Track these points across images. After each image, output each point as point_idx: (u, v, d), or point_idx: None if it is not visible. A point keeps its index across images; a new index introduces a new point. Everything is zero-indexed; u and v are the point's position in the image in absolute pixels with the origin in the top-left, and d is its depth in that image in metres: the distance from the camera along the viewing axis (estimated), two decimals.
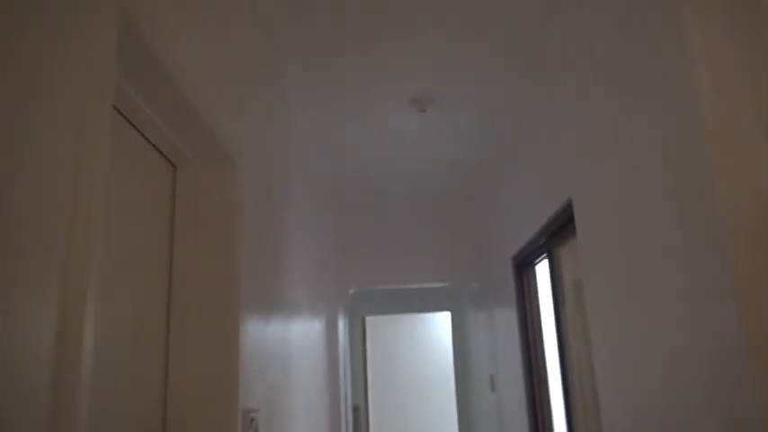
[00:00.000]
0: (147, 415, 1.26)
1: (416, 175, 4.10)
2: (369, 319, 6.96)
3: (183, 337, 1.37)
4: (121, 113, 1.21)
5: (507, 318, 3.76)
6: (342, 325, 4.14)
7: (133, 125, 1.25)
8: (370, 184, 4.24)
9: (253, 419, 1.52)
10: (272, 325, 1.89)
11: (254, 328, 1.61)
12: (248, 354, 1.52)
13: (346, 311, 5.58)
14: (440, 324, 7.04)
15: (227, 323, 1.38)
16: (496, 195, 4.00)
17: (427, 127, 3.28)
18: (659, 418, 1.68)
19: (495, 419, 4.28)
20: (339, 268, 4.24)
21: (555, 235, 2.77)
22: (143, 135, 1.30)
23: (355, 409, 5.47)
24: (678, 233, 1.50)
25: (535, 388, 3.30)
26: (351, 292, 4.54)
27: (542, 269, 3.32)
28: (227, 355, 1.36)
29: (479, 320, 4.90)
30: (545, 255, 2.99)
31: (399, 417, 6.88)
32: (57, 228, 0.68)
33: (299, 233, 2.73)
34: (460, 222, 4.48)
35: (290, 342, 2.24)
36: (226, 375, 1.35)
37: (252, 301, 1.59)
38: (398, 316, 7.13)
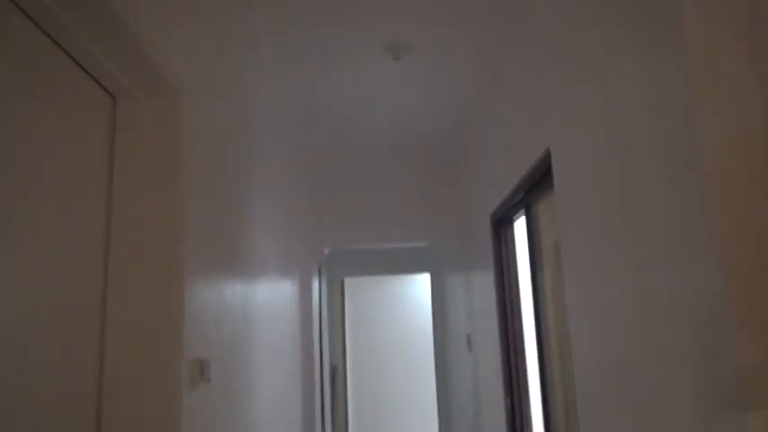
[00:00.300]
0: (81, 365, 1.16)
1: (392, 128, 3.98)
2: (348, 281, 6.91)
3: (123, 285, 1.26)
4: (50, 37, 1.07)
5: (485, 277, 3.70)
6: (316, 285, 4.06)
7: (65, 51, 1.12)
8: (345, 138, 4.11)
9: (204, 368, 1.43)
10: (229, 278, 1.79)
11: (205, 279, 1.51)
12: (197, 306, 1.43)
13: (325, 272, 5.51)
14: (419, 286, 7.01)
15: (171, 269, 1.28)
16: (475, 150, 3.90)
17: (402, 76, 3.15)
18: (635, 376, 1.62)
19: (471, 378, 4.27)
20: (313, 227, 4.14)
21: (533, 189, 2.69)
22: (76, 61, 1.17)
23: (333, 369, 5.45)
24: (661, 187, 1.41)
25: (510, 347, 3.26)
26: (326, 251, 4.46)
27: (521, 228, 3.25)
28: (169, 303, 1.26)
29: (458, 282, 4.86)
30: (523, 211, 2.91)
31: (378, 376, 6.89)
32: None
33: (264, 188, 2.61)
34: (439, 180, 4.38)
35: (253, 298, 2.15)
36: (168, 323, 1.25)
37: (201, 250, 1.48)
38: (378, 278, 7.08)
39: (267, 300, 2.48)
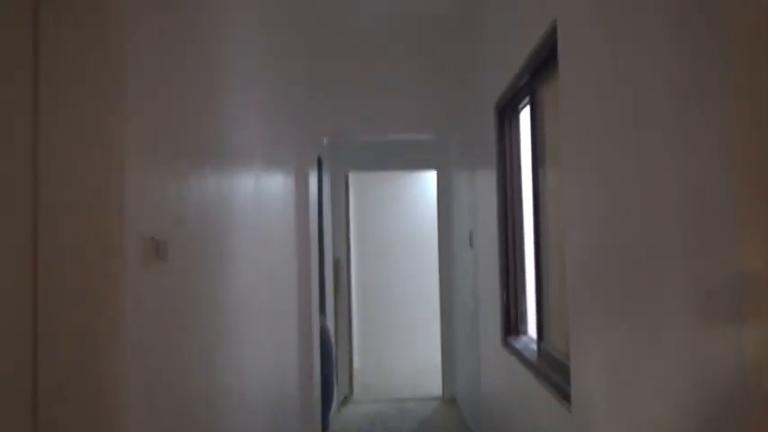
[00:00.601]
0: (11, 241, 1.07)
1: (393, 12, 3.68)
2: (354, 177, 6.80)
3: (55, 167, 1.14)
4: None
5: (488, 172, 3.56)
6: (314, 177, 3.94)
7: None
8: (343, 23, 3.83)
9: (160, 248, 1.35)
10: (198, 162, 1.66)
11: (161, 161, 1.38)
12: (149, 186, 1.31)
13: (328, 166, 5.38)
14: (426, 183, 6.89)
15: (110, 150, 1.15)
16: (480, 32, 3.62)
17: None
18: (627, 272, 1.51)
19: (472, 273, 4.24)
20: (310, 116, 3.96)
21: (538, 73, 2.47)
22: None
23: (336, 262, 5.48)
24: (679, 70, 1.22)
25: (509, 243, 3.17)
26: (325, 141, 4.30)
27: (526, 120, 3.05)
28: (107, 182, 1.15)
29: (463, 178, 4.72)
30: (528, 100, 2.71)
31: (383, 270, 6.97)
32: None
33: (253, 74, 2.42)
34: (442, 66, 4.12)
35: (232, 185, 2.04)
36: (107, 201, 1.14)
37: (157, 132, 1.35)
38: (385, 174, 6.96)
39: (252, 187, 2.37)
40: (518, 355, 2.78)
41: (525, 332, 3.11)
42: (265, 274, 2.63)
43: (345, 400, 5.42)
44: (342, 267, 5.52)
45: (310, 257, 3.69)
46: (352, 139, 5.51)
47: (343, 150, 5.58)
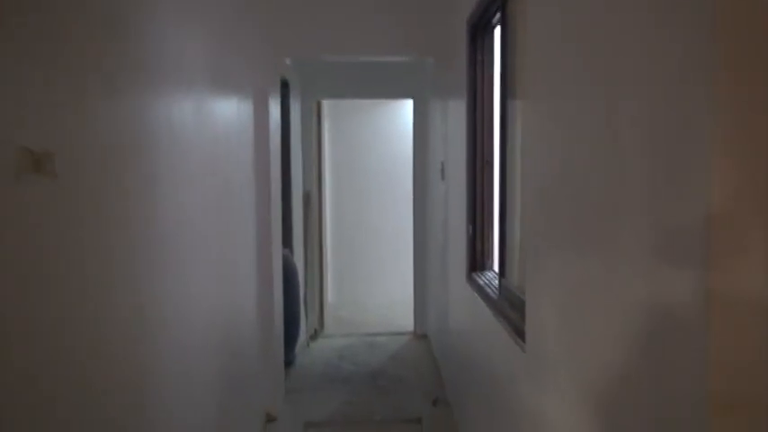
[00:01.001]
0: None
1: None
2: (329, 106, 6.52)
3: None
4: None
5: (459, 98, 3.33)
6: (275, 102, 3.69)
7: None
8: None
9: (44, 162, 1.15)
10: (98, 71, 1.43)
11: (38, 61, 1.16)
12: (19, 91, 1.10)
13: (298, 93, 5.10)
14: (403, 113, 6.63)
15: None
16: None
17: None
18: (585, 199, 1.34)
19: (443, 206, 4.09)
20: (271, 33, 3.66)
21: None
22: None
23: (306, 195, 5.29)
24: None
25: (477, 175, 2.99)
26: (288, 62, 4.03)
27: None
28: None
29: (437, 107, 4.49)
30: (499, 14, 2.46)
31: (357, 203, 6.80)
32: None
33: None
34: None
35: (156, 103, 1.81)
36: None
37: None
38: (362, 105, 6.68)
39: (192, 108, 2.14)
40: (480, 291, 2.66)
41: (491, 268, 2.98)
42: (213, 203, 2.44)
43: (315, 335, 5.36)
44: (312, 200, 5.33)
45: (270, 188, 3.49)
46: (321, 63, 5.21)
47: (315, 77, 5.28)
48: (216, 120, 2.50)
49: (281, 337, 3.93)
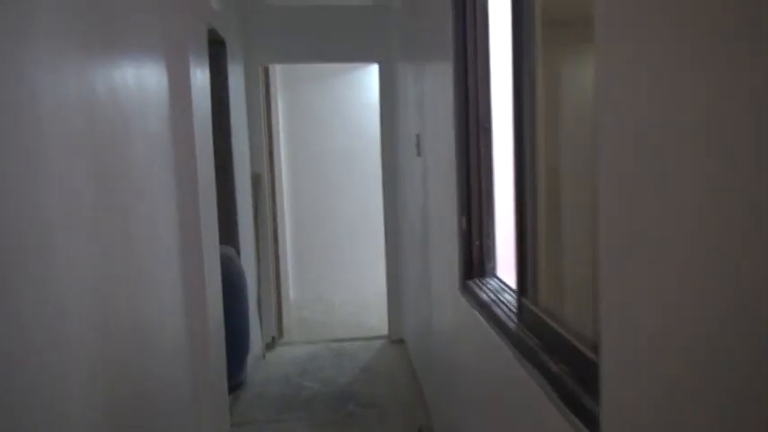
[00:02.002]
0: None
1: None
2: (284, 75, 5.63)
3: None
4: None
5: (440, 55, 2.53)
6: (199, 66, 2.80)
7: None
8: None
9: None
10: None
11: None
12: None
13: (239, 57, 4.22)
14: (368, 82, 5.79)
15: None
16: None
17: None
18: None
19: (421, 189, 3.30)
20: None
21: None
22: None
23: (255, 177, 4.44)
24: None
25: (470, 152, 2.20)
26: (214, 6, 3.15)
27: None
28: None
29: (409, 71, 3.67)
30: None
31: (319, 186, 5.96)
32: None
33: None
34: None
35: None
36: None
37: None
38: (320, 72, 5.81)
39: (66, 77, 1.29)
40: (485, 311, 1.89)
41: (492, 273, 2.21)
42: (91, 200, 1.59)
43: (273, 343, 4.56)
44: (263, 184, 4.48)
45: (197, 174, 2.64)
46: (267, 17, 4.33)
47: (261, 36, 4.39)
48: (97, 91, 1.64)
49: (221, 357, 3.10)
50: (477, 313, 1.96)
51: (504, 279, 2.15)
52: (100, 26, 1.71)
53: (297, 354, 4.41)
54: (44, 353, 1.25)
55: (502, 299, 1.88)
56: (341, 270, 5.95)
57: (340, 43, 4.49)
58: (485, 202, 2.19)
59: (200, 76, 2.81)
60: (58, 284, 1.33)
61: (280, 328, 4.73)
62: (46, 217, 1.29)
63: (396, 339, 4.62)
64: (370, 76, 5.74)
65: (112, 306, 1.69)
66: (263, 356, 4.35)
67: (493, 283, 2.11)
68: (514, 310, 1.71)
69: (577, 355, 1.21)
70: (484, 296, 1.97)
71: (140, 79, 2.07)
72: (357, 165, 5.89)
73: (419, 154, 3.29)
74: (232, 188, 3.78)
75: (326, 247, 5.96)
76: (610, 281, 0.96)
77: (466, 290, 2.19)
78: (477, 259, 2.21)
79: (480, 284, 2.12)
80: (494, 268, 2.21)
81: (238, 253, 3.85)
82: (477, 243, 2.20)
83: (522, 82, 1.61)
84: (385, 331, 4.75)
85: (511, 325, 1.64)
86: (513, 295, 1.87)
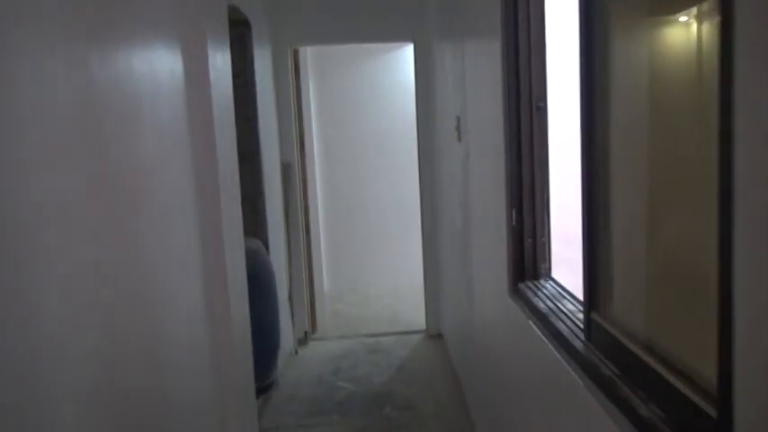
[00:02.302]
0: None
1: None
2: (312, 56, 5.39)
3: None
4: None
5: (485, 28, 2.24)
6: (217, 45, 2.56)
7: None
8: None
9: None
10: None
11: None
12: None
13: (265, 38, 3.99)
14: (403, 64, 5.50)
15: None
16: None
17: None
18: None
19: (461, 177, 3.02)
20: None
21: None
22: None
23: (285, 167, 4.23)
24: None
25: (522, 135, 1.92)
26: None
27: None
28: None
29: (447, 49, 3.39)
30: None
31: (350, 172, 5.72)
32: None
33: None
34: None
35: None
36: None
37: None
38: (353, 54, 5.55)
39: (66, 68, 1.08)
40: (542, 321, 1.62)
41: (548, 275, 1.94)
42: (98, 190, 1.39)
43: (305, 339, 4.37)
44: (293, 173, 4.27)
45: (218, 166, 2.42)
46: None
47: (288, 15, 4.15)
48: (95, 79, 1.42)
49: (248, 358, 2.90)
50: (532, 324, 1.69)
51: (562, 282, 1.88)
52: (98, 4, 1.49)
53: (330, 350, 4.21)
54: (22, 386, 1.04)
55: (563, 308, 1.61)
56: (375, 260, 5.73)
57: (373, 22, 4.22)
58: (539, 193, 1.92)
59: (221, 59, 2.58)
60: (34, 296, 1.12)
61: (313, 323, 4.54)
62: (21, 219, 1.08)
63: (434, 334, 4.38)
64: (404, 57, 5.45)
65: (116, 316, 1.49)
66: (296, 353, 4.17)
67: (549, 287, 1.84)
68: (581, 325, 1.44)
69: (678, 399, 0.94)
70: (540, 304, 1.70)
71: (149, 64, 1.84)
72: (392, 151, 5.63)
73: (459, 138, 3.01)
74: (260, 178, 3.58)
75: (361, 237, 5.74)
76: (746, 299, 0.69)
77: (517, 294, 1.92)
78: (529, 259, 1.94)
79: (535, 288, 1.85)
80: (549, 270, 1.94)
81: (267, 245, 3.66)
82: (530, 240, 1.93)
83: (593, 49, 1.33)
84: (422, 325, 4.51)
85: (577, 344, 1.37)
86: (576, 305, 1.60)
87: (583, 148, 1.35)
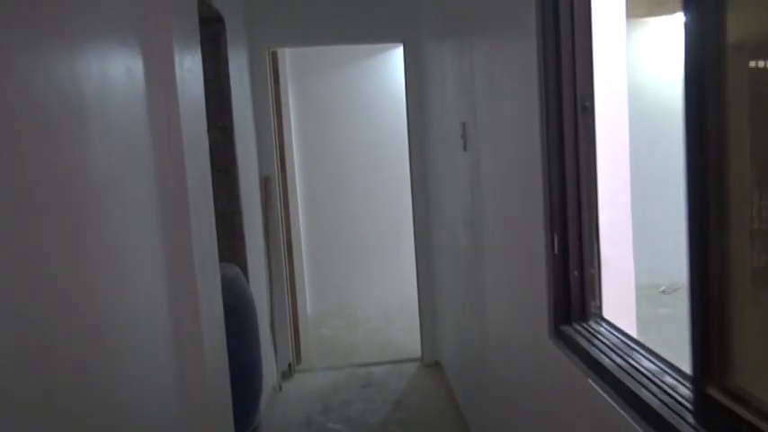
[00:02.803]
0: None
1: None
2: (292, 59, 5.00)
3: None
4: None
5: (507, 16, 1.89)
6: (179, 42, 2.14)
7: None
8: None
9: None
10: None
11: None
12: None
13: (243, 36, 3.60)
14: (392, 67, 5.15)
15: None
16: None
17: None
18: None
19: (469, 193, 2.66)
20: None
21: None
22: None
23: (264, 180, 3.82)
24: None
25: (565, 133, 1.56)
26: None
27: None
28: None
29: (446, 51, 3.03)
30: None
31: (339, 189, 5.33)
32: None
33: None
34: None
35: None
36: None
37: None
38: (337, 57, 5.17)
39: None
40: (610, 383, 1.25)
41: (598, 315, 1.57)
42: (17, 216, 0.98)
43: (290, 371, 3.95)
44: (272, 188, 3.86)
45: (186, 180, 2.01)
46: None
47: (267, 14, 3.76)
48: (29, 83, 1.03)
49: (226, 410, 2.48)
50: (593, 384, 1.32)
51: (616, 323, 1.52)
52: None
53: (318, 384, 3.80)
54: None
55: (638, 366, 1.24)
56: (362, 280, 5.33)
57: (359, 22, 3.85)
58: (586, 213, 1.55)
59: (190, 60, 2.16)
60: None
61: (297, 353, 4.11)
62: None
63: (430, 363, 3.99)
64: (392, 60, 5.10)
65: (56, 395, 1.07)
66: (280, 388, 3.74)
67: (606, 332, 1.47)
68: (677, 396, 1.07)
69: None
70: (603, 358, 1.33)
71: (100, 66, 1.44)
72: (380, 163, 5.25)
73: (465, 147, 2.65)
74: (237, 194, 3.17)
75: (345, 255, 5.34)
76: None
77: (562, 339, 1.55)
78: (576, 296, 1.57)
79: (587, 334, 1.48)
80: (600, 309, 1.57)
81: (245, 269, 3.25)
82: (576, 273, 1.56)
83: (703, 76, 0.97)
84: (416, 351, 4.12)
85: (685, 429, 1.00)
86: (657, 363, 1.23)
87: (690, 175, 0.98)
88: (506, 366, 2.17)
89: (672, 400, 1.09)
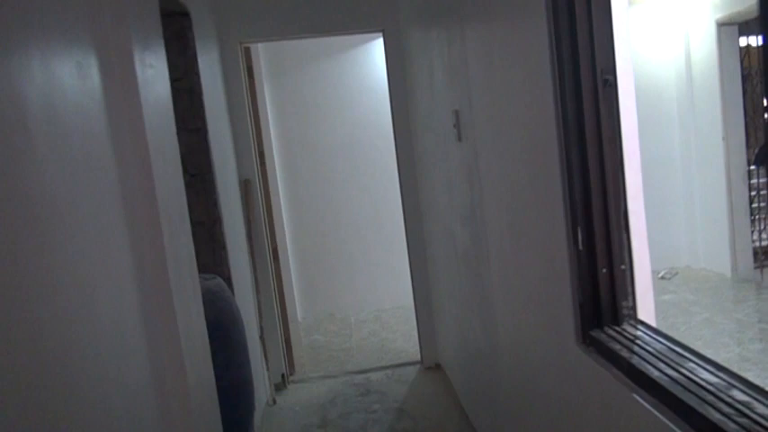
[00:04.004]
0: None
1: None
2: (267, 54, 4.77)
3: None
4: None
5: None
6: (138, 39, 1.92)
7: None
8: None
9: None
10: None
11: None
12: None
13: (213, 30, 3.37)
14: (373, 58, 4.94)
15: None
16: None
17: None
18: None
19: (466, 187, 2.47)
20: None
21: None
22: None
23: (244, 183, 3.60)
24: None
25: (586, 114, 1.37)
26: None
27: None
28: None
29: (432, 38, 2.84)
30: None
31: (317, 187, 5.11)
32: None
33: None
34: None
35: None
36: None
37: None
38: (314, 51, 4.95)
39: None
40: (664, 400, 1.07)
41: (632, 317, 1.39)
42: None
43: (283, 383, 3.74)
44: (253, 192, 3.64)
45: (154, 190, 1.79)
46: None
47: (236, 7, 3.53)
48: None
49: (215, 421, 2.27)
50: (640, 399, 1.14)
51: (652, 324, 1.34)
52: None
53: (314, 394, 3.59)
54: None
55: (696, 379, 1.06)
56: (353, 282, 5.12)
57: (334, 12, 3.64)
58: (612, 203, 1.37)
59: (152, 56, 1.94)
60: None
61: (290, 363, 3.90)
62: None
63: (430, 366, 3.81)
64: (372, 52, 4.89)
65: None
66: (273, 402, 3.53)
67: (645, 337, 1.29)
68: (762, 417, 0.89)
69: None
70: (651, 369, 1.14)
71: (42, 61, 1.22)
72: (366, 159, 5.04)
73: (460, 137, 2.46)
74: (215, 201, 2.95)
75: (334, 257, 5.13)
76: None
77: (593, 345, 1.37)
78: (606, 296, 1.39)
79: (624, 340, 1.30)
80: (633, 310, 1.39)
81: (229, 279, 3.03)
82: (605, 271, 1.38)
83: None
84: (415, 354, 3.94)
85: None
86: (718, 375, 1.05)
87: None
88: (523, 374, 1.99)
89: (749, 422, 0.91)
